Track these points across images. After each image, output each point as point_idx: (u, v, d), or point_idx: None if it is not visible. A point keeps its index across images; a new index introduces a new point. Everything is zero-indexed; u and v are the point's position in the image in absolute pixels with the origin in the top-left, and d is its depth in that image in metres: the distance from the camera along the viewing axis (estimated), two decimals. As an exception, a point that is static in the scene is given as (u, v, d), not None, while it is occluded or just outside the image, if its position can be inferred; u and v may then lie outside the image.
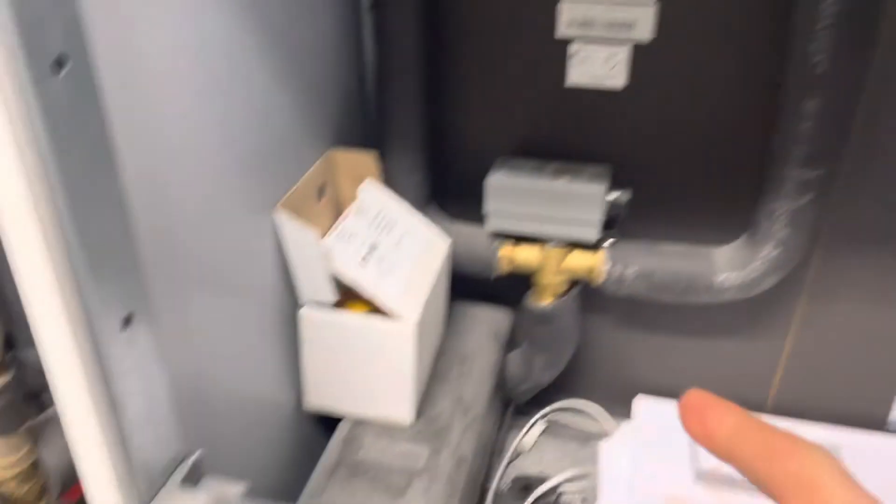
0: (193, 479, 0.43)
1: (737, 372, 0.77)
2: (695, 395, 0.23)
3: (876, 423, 0.77)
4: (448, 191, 0.76)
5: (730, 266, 0.66)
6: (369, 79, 0.74)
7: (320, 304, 0.61)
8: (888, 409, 0.76)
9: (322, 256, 0.57)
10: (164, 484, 0.42)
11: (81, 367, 0.36)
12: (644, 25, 0.64)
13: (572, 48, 0.66)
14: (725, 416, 0.23)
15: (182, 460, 0.44)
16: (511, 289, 0.79)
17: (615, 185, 0.68)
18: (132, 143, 0.39)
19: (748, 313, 0.74)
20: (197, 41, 0.46)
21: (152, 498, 0.41)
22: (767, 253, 0.64)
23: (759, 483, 0.21)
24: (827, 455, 0.21)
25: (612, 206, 0.66)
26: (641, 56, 0.65)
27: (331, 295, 0.59)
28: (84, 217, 0.34)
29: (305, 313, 0.61)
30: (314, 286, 0.60)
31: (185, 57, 0.45)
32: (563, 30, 0.66)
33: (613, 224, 0.70)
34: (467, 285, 0.77)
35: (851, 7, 0.54)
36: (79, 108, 0.33)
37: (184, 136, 0.46)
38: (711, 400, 0.23)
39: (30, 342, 1.01)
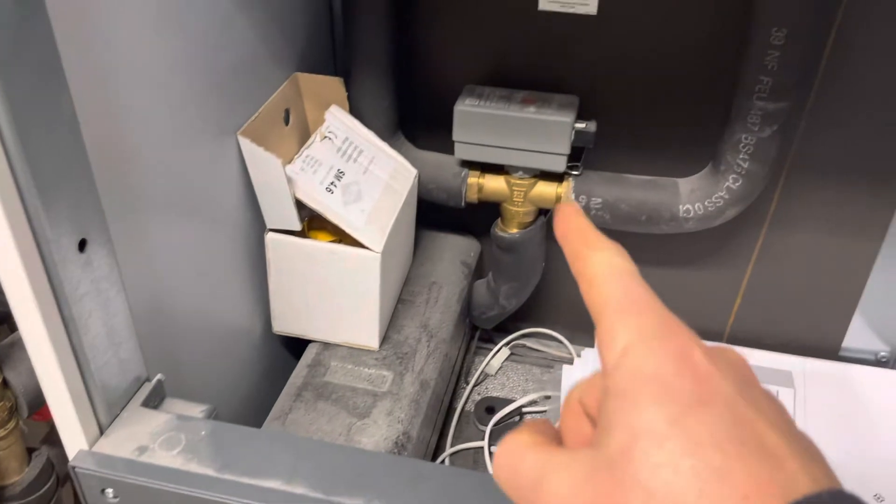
0: (155, 401, 0.44)
1: (698, 301, 0.79)
2: (564, 206, 0.28)
3: (830, 351, 0.80)
4: (416, 118, 0.75)
5: (693, 197, 0.67)
6: (337, 2, 0.72)
7: (288, 230, 0.61)
8: (841, 338, 0.79)
9: (286, 183, 0.57)
10: (125, 406, 0.43)
11: (37, 289, 0.36)
12: (617, -51, 0.62)
13: (544, -28, 0.65)
14: (564, 220, 0.27)
15: (143, 383, 0.45)
16: (481, 217, 0.79)
17: (583, 115, 0.67)
18: (81, 65, 0.38)
19: (711, 243, 0.75)
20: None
21: (114, 418, 0.42)
22: (730, 184, 0.64)
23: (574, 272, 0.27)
24: (610, 256, 0.25)
25: (580, 136, 0.66)
26: (613, -18, 0.64)
27: (296, 222, 0.59)
28: (33, 142, 0.33)
29: (272, 238, 0.62)
30: (279, 213, 0.60)
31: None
32: (534, -48, 0.64)
33: (580, 154, 0.70)
34: (437, 214, 0.77)
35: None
36: (24, 26, 0.32)
37: (136, 56, 0.45)
38: (570, 209, 0.28)
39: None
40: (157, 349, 0.49)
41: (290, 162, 0.61)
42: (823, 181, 0.69)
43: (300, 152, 0.62)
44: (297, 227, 0.60)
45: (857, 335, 0.79)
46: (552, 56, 0.69)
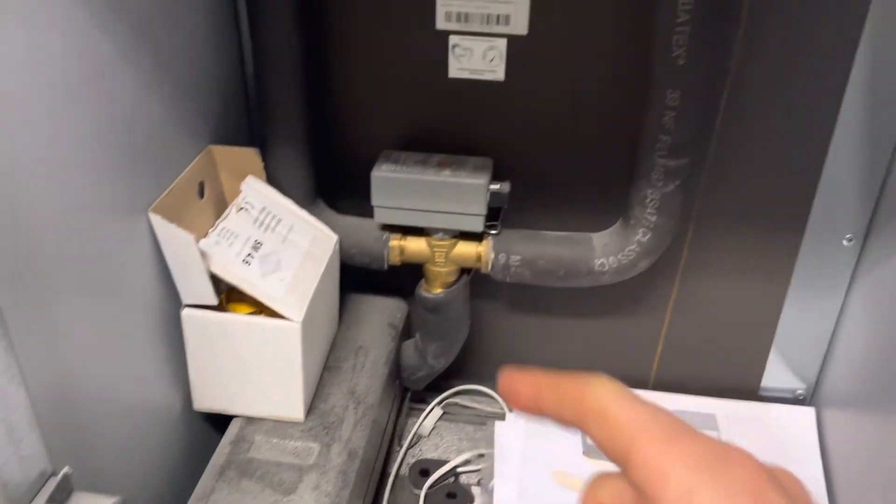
0: (61, 496, 0.43)
1: (621, 350, 0.81)
2: (504, 374, 0.25)
3: (750, 392, 0.82)
4: (335, 185, 0.76)
5: (606, 251, 0.69)
6: (250, 73, 0.73)
7: (204, 305, 0.60)
8: (760, 378, 0.82)
9: (200, 258, 0.56)
10: (27, 504, 0.41)
11: (-78, 392, 0.34)
12: (519, 20, 0.65)
13: (452, 41, 0.67)
14: (524, 382, 0.25)
15: (49, 478, 0.43)
16: (408, 277, 0.79)
17: (498, 176, 0.69)
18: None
19: (628, 294, 0.77)
20: (43, 46, 0.44)
21: (15, 519, 0.40)
22: (640, 238, 0.67)
23: (570, 425, 0.24)
24: (606, 383, 0.23)
25: (495, 197, 0.68)
26: (519, 50, 0.67)
27: (212, 297, 0.58)
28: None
29: (188, 314, 0.61)
30: (194, 288, 0.59)
31: (31, 61, 0.43)
32: (441, 23, 0.66)
33: (498, 214, 0.72)
34: (363, 277, 0.77)
35: (709, 4, 0.57)
36: None
37: (39, 138, 0.44)
38: (515, 373, 0.25)
39: None
40: (66, 439, 0.48)
41: (205, 236, 0.60)
42: (729, 230, 0.72)
43: (216, 225, 0.62)
44: (213, 301, 0.59)
45: (775, 375, 0.82)
46: (465, 120, 0.71)
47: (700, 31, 0.57)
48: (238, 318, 0.61)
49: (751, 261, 0.73)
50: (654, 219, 0.66)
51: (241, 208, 0.64)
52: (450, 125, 0.72)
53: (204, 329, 0.61)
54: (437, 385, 0.86)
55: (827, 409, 0.78)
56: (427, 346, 0.78)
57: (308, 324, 0.62)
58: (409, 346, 0.80)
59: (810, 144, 0.68)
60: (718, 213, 0.71)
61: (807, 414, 0.78)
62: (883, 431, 0.66)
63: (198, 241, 0.58)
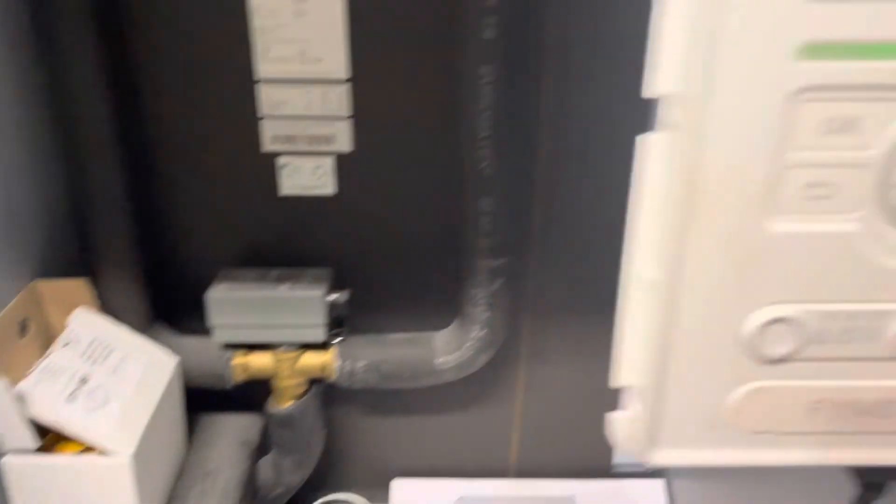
0: None
1: (479, 443, 0.83)
2: None
3: (605, 470, 0.85)
4: (175, 307, 0.75)
5: (447, 349, 0.71)
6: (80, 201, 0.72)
7: (25, 450, 0.57)
8: (611, 455, 0.85)
9: (14, 404, 0.54)
10: None
11: None
12: (343, 138, 0.69)
13: (280, 161, 0.70)
14: None
15: None
16: (261, 390, 0.79)
17: (337, 285, 0.71)
18: None
19: (479, 387, 0.79)
20: None
21: None
22: (476, 334, 0.70)
23: None
24: None
25: (333, 306, 0.70)
26: (346, 166, 0.70)
27: (31, 441, 0.56)
28: None
29: (8, 462, 0.57)
30: (13, 434, 0.56)
31: None
32: (268, 145, 0.69)
33: (341, 322, 0.73)
34: (215, 396, 0.76)
35: (506, 120, 0.62)
36: None
37: None
38: None
39: None
40: None
41: (25, 376, 0.58)
42: (560, 318, 0.76)
43: (37, 364, 0.60)
44: (33, 446, 0.56)
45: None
46: (301, 234, 0.73)
47: (502, 144, 0.63)
48: (63, 460, 0.58)
49: (585, 344, 0.78)
50: (486, 315, 0.69)
51: (67, 343, 0.62)
52: (286, 240, 0.73)
53: (28, 475, 0.58)
54: (304, 497, 0.84)
55: (675, 479, 0.82)
56: (282, 460, 0.77)
57: (141, 456, 0.60)
58: (264, 463, 0.79)
59: (619, 236, 0.73)
60: (548, 303, 0.76)
61: (656, 486, 0.82)
62: (725, 493, 0.71)
63: (17, 382, 0.56)
